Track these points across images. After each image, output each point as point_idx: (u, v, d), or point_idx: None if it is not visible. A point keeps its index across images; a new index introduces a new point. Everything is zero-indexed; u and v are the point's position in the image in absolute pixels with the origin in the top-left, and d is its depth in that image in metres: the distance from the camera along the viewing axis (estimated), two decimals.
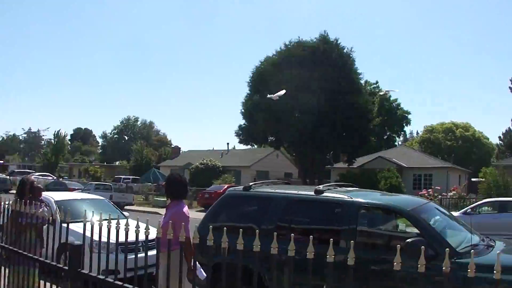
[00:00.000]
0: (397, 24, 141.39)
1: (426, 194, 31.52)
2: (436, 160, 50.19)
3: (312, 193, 6.98)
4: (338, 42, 39.56)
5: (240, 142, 42.60)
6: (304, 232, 6.75)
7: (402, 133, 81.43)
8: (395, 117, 71.55)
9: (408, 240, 5.67)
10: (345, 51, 39.67)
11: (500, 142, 79.92)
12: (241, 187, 8.06)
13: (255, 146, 51.47)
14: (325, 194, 6.93)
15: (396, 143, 71.73)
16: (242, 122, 40.95)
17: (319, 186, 7.20)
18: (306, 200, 7.15)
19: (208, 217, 7.70)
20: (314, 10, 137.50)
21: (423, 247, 3.13)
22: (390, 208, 6.94)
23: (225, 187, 36.28)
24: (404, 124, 75.21)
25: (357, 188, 8.34)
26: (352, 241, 3.48)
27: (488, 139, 76.53)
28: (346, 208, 6.58)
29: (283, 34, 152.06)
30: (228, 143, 66.56)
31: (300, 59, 37.22)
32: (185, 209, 5.86)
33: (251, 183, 8.19)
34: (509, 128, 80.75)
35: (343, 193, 7.08)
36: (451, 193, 34.51)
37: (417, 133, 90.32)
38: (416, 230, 6.35)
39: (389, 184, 35.78)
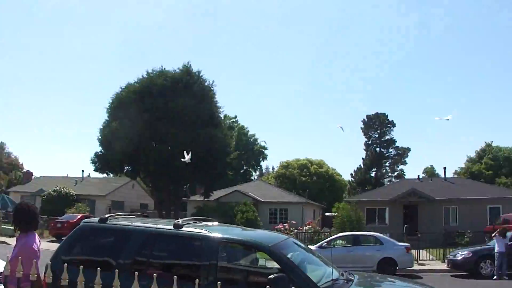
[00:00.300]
0: (257, 60, 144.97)
1: (282, 228, 31.93)
2: (291, 195, 51.48)
3: (171, 227, 6.70)
4: (201, 75, 39.43)
5: (96, 170, 40.66)
6: (163, 268, 6.65)
7: (259, 167, 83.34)
8: (252, 151, 73.00)
9: (270, 276, 5.49)
10: (206, 83, 39.59)
11: (352, 179, 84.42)
12: (97, 219, 7.60)
13: (111, 175, 49.45)
14: (184, 228, 6.68)
15: (253, 178, 73.03)
16: (99, 149, 39.16)
17: (178, 220, 6.92)
18: (165, 235, 6.86)
19: (61, 250, 7.09)
20: (177, 40, 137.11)
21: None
22: (251, 244, 6.78)
23: (79, 216, 34.63)
24: (260, 159, 77.03)
25: (216, 223, 7.95)
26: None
27: (340, 176, 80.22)
28: (206, 244, 6.39)
29: (147, 62, 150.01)
30: (83, 171, 63.47)
31: (161, 89, 36.60)
32: (35, 242, 5.42)
33: (107, 215, 7.77)
34: (360, 166, 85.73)
35: (203, 228, 6.89)
36: (306, 227, 35.22)
37: (273, 168, 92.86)
38: (277, 266, 6.27)
39: (245, 217, 36.00)
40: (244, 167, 71.20)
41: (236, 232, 7.34)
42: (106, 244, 7.22)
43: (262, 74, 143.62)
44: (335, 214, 54.88)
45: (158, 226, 7.12)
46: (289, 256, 6.42)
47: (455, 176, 62.90)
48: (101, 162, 38.97)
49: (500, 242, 20.36)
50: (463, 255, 21.69)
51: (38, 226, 5.77)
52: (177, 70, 38.87)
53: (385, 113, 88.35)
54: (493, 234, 21.46)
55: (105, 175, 47.36)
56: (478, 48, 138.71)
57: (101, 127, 38.12)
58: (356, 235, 23.43)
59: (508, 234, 21.22)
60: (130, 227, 7.04)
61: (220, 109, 40.92)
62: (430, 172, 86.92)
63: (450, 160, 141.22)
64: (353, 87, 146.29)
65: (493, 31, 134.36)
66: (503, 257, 20.01)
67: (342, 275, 6.83)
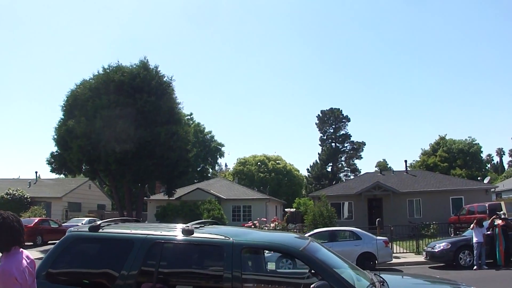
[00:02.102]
0: (210, 57, 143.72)
1: (252, 226, 30.98)
2: (254, 192, 50.91)
3: (180, 233, 5.90)
4: (158, 70, 37.98)
5: (52, 170, 38.52)
6: (174, 281, 5.93)
7: (216, 164, 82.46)
8: (209, 149, 72.05)
9: (313, 285, 5.04)
10: (165, 79, 38.14)
11: (308, 174, 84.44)
12: (85, 227, 6.58)
13: (69, 176, 47.31)
14: (196, 234, 5.85)
15: (209, 175, 72.13)
16: (55, 149, 37.19)
17: (187, 225, 6.07)
18: (174, 242, 5.97)
19: (44, 267, 6.03)
20: (130, 37, 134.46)
21: None
22: (280, 248, 6.01)
23: (36, 220, 33.22)
24: (218, 156, 76.09)
25: (229, 227, 7.05)
26: None
27: (298, 171, 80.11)
28: (226, 251, 5.58)
29: (102, 58, 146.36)
30: (36, 172, 60.88)
31: (119, 85, 35.06)
32: (15, 265, 4.11)
33: (99, 222, 6.65)
34: (316, 161, 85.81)
35: (218, 232, 6.00)
36: (273, 224, 34.42)
37: (226, 165, 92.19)
38: (305, 271, 6.02)
39: (212, 216, 35.04)
40: (201, 165, 70.01)
41: (256, 236, 6.49)
42: (102, 255, 6.29)
43: (216, 71, 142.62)
44: (296, 209, 54.76)
45: (164, 233, 6.18)
46: (323, 260, 5.78)
47: (409, 169, 63.29)
48: (57, 163, 37.02)
49: (477, 232, 20.33)
50: (442, 247, 21.49)
51: (21, 241, 4.34)
52: (134, 66, 37.32)
53: (339, 108, 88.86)
54: (471, 226, 21.24)
55: (60, 176, 45.45)
56: (431, 43, 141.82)
57: (56, 126, 36.18)
58: (332, 231, 22.86)
59: (485, 223, 21.06)
60: (130, 235, 6.14)
61: (179, 105, 39.53)
62: (383, 166, 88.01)
63: (403, 154, 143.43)
64: (308, 83, 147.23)
65: (444, 26, 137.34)
66: (481, 247, 20.09)
67: (373, 278, 6.26)
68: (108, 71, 36.57)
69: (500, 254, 19.97)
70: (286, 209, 56.67)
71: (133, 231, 6.19)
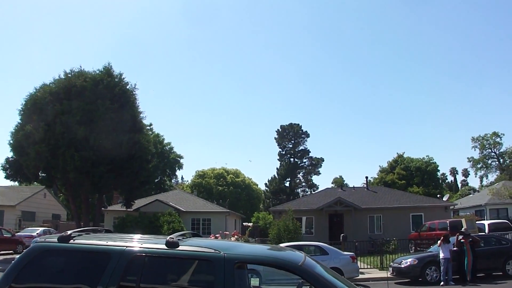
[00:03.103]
0: (171, 68, 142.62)
1: (214, 239, 30.44)
2: (214, 205, 50.41)
3: (163, 246, 5.24)
4: (122, 77, 37.09)
5: (6, 177, 36.83)
6: None
7: (174, 176, 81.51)
8: (168, 160, 71.16)
9: None
10: (128, 87, 37.27)
11: (267, 188, 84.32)
12: (54, 238, 5.84)
13: (24, 184, 45.47)
14: (182, 247, 5.24)
15: (166, 187, 71.18)
16: (10, 154, 35.68)
17: (171, 236, 5.42)
18: (157, 256, 5.30)
19: (9, 280, 5.31)
20: (91, 44, 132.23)
21: None
22: (276, 263, 5.35)
23: None
24: (176, 168, 75.20)
25: (213, 239, 6.49)
26: None
27: (257, 185, 79.92)
28: (217, 266, 5.03)
29: (62, 63, 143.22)
30: None
31: (80, 90, 33.98)
32: None
33: (69, 232, 5.85)
34: (274, 175, 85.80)
35: (206, 245, 5.39)
36: (233, 238, 33.91)
37: (182, 178, 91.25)
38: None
39: (172, 228, 34.24)
40: (160, 176, 68.99)
41: (248, 250, 5.87)
42: (74, 269, 5.56)
43: (177, 83, 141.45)
44: (254, 224, 54.36)
45: (145, 245, 5.52)
46: (324, 276, 5.36)
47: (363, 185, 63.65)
48: (12, 169, 35.49)
49: (444, 249, 20.52)
50: (408, 262, 21.60)
51: None
52: (97, 72, 36.31)
53: (299, 124, 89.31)
54: (438, 242, 21.37)
55: (14, 183, 43.68)
56: (390, 62, 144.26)
57: (13, 130, 34.67)
58: (298, 246, 22.22)
59: (451, 239, 21.23)
60: (107, 247, 5.47)
61: (142, 115, 38.64)
62: (339, 182, 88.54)
63: (360, 170, 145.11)
64: (269, 97, 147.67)
65: (400, 46, 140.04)
66: (448, 262, 20.36)
67: None
68: (70, 76, 35.44)
69: (468, 270, 20.13)
70: (244, 223, 56.25)
71: (110, 243, 5.55)
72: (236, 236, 34.29)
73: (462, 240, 20.90)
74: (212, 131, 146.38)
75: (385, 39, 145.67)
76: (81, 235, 5.93)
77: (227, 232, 34.29)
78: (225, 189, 69.81)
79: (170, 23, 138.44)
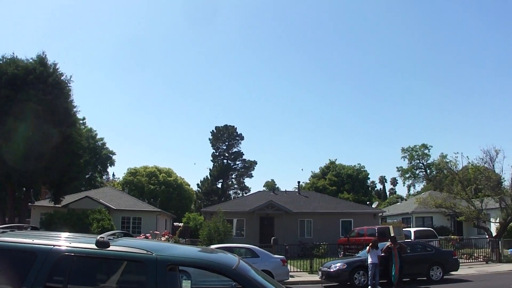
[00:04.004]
0: (108, 62, 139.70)
1: (145, 239, 29.97)
2: (145, 203, 49.69)
3: (93, 245, 4.91)
4: (57, 67, 35.83)
5: None
6: None
7: (106, 173, 79.82)
8: (100, 156, 69.62)
9: None
10: (63, 78, 36.07)
11: (199, 189, 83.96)
12: None
13: None
14: (113, 247, 4.93)
15: (97, 183, 69.67)
16: None
17: (102, 236, 5.07)
18: (87, 256, 4.98)
19: None
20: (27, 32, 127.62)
21: None
22: (210, 266, 5.23)
23: None
24: (108, 164, 73.69)
25: (145, 240, 6.24)
26: None
27: (189, 185, 79.42)
28: (149, 268, 4.82)
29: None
30: None
31: (11, 78, 32.51)
32: None
33: None
34: (207, 176, 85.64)
35: (138, 245, 5.14)
36: (164, 238, 33.52)
37: (114, 175, 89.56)
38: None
39: (101, 226, 33.43)
40: (90, 172, 67.34)
41: (181, 252, 5.68)
42: None
43: (114, 79, 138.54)
44: (185, 224, 53.99)
45: (74, 244, 5.19)
46: (257, 280, 5.27)
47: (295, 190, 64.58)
48: None
49: (373, 254, 20.97)
50: (338, 267, 22.05)
51: None
52: (31, 60, 34.90)
53: (234, 126, 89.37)
54: (367, 248, 21.84)
55: None
56: (325, 70, 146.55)
57: None
58: (229, 248, 22.06)
59: (379, 245, 21.74)
60: (32, 245, 5.10)
61: (75, 108, 37.46)
62: (271, 186, 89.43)
63: (292, 175, 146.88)
64: (205, 97, 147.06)
65: (334, 50, 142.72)
66: (375, 267, 20.87)
67: None
68: (1, 62, 33.98)
69: (396, 275, 20.69)
70: (175, 223, 55.76)
71: (36, 241, 5.17)
72: (166, 236, 33.89)
73: (390, 246, 21.45)
74: (147, 128, 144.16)
75: (321, 43, 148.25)
76: (5, 232, 5.60)
77: (157, 232, 33.89)
78: (156, 188, 68.92)
79: (111, 20, 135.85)
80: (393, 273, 20.87)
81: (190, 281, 6.47)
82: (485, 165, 34.85)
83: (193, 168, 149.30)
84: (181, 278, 5.96)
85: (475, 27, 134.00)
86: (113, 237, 5.40)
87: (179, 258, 5.16)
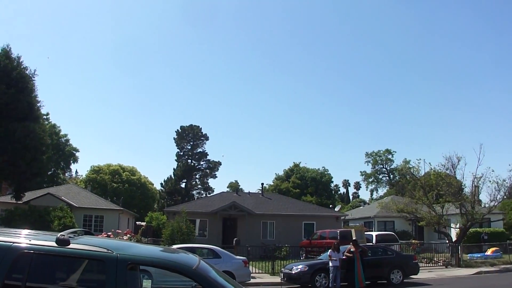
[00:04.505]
0: (72, 58, 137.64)
1: (106, 237, 29.69)
2: (107, 202, 49.22)
3: (53, 243, 4.81)
4: (21, 61, 35.33)
5: None
6: None
7: (69, 170, 78.75)
8: (63, 153, 68.67)
9: None
10: (27, 72, 35.57)
11: (162, 188, 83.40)
12: None
13: None
14: (73, 245, 4.85)
15: (60, 180, 68.70)
16: None
17: (63, 233, 4.96)
18: (46, 254, 4.87)
19: None
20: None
21: None
22: (171, 266, 5.19)
23: None
24: (71, 161, 72.71)
25: (107, 238, 6.12)
26: None
27: (153, 184, 78.86)
28: (109, 266, 4.77)
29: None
30: None
31: None
32: None
33: None
34: (171, 176, 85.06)
35: (99, 244, 5.10)
36: (126, 237, 33.27)
37: (77, 172, 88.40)
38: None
39: (63, 224, 32.98)
40: (53, 169, 66.28)
41: (142, 251, 5.60)
42: None
43: (79, 73, 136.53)
44: (148, 223, 53.70)
45: (34, 241, 5.05)
46: (218, 280, 5.31)
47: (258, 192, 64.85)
48: None
49: (334, 257, 21.32)
50: (299, 269, 22.21)
51: None
52: None
53: (199, 126, 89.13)
54: (329, 251, 22.02)
55: None
56: (294, 74, 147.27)
57: None
58: (191, 248, 21.89)
59: (341, 248, 22.01)
60: None
61: (39, 103, 36.97)
62: (235, 187, 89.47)
63: (256, 177, 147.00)
64: (170, 98, 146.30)
65: (292, 64, 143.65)
66: (337, 270, 21.11)
67: None
68: None
69: (358, 278, 21.00)
70: (138, 222, 55.39)
71: None
72: (128, 235, 33.62)
73: (352, 249, 21.75)
74: (111, 126, 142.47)
75: (284, 47, 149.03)
76: None
77: (119, 231, 33.58)
78: (120, 186, 68.15)
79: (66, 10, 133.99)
80: (355, 277, 21.19)
81: (151, 280, 6.41)
82: (447, 171, 35.48)
83: (157, 167, 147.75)
84: (142, 277, 5.92)
85: (443, 39, 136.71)
86: (74, 235, 5.31)
87: (140, 257, 5.13)
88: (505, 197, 36.19)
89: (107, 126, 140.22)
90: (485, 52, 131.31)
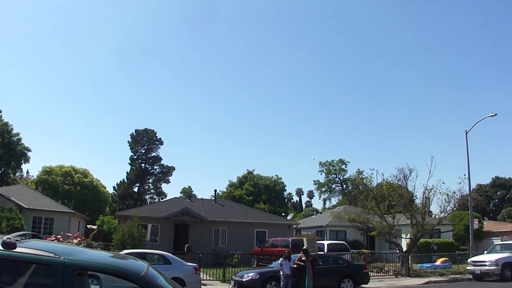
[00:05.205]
0: (27, 55, 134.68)
1: (55, 241, 29.16)
2: (58, 204, 48.31)
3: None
4: None
5: None
6: None
7: (19, 170, 76.96)
8: (14, 152, 67.10)
9: None
10: None
11: (114, 192, 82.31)
12: None
13: None
14: (19, 249, 4.76)
15: (10, 180, 67.10)
16: None
17: (9, 236, 4.89)
18: None
19: None
20: None
21: None
22: (120, 272, 5.14)
23: None
24: (22, 161, 71.09)
25: (55, 243, 5.96)
26: None
27: (105, 187, 77.78)
28: (56, 272, 4.66)
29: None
30: None
31: None
32: None
33: None
34: (123, 179, 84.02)
35: (46, 248, 4.96)
36: (76, 240, 32.82)
37: (28, 172, 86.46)
38: None
39: (11, 225, 32.24)
40: (3, 168, 64.72)
41: (91, 256, 5.48)
42: None
43: (33, 72, 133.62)
44: (99, 227, 52.95)
45: None
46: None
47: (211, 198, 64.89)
48: None
49: (285, 265, 21.33)
50: (250, 276, 22.31)
51: None
52: None
53: (154, 130, 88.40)
54: (280, 259, 22.19)
55: None
56: (245, 83, 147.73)
57: None
58: (142, 253, 21.64)
59: (292, 257, 22.22)
60: None
61: None
62: (188, 193, 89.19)
63: (209, 183, 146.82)
64: (125, 101, 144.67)
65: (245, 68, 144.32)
66: (288, 279, 21.24)
67: None
68: None
69: (309, 286, 21.22)
70: (89, 226, 54.55)
71: None
72: (78, 239, 33.20)
73: (303, 258, 21.99)
74: (65, 127, 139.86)
75: (239, 57, 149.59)
76: None
77: (69, 234, 33.08)
78: (72, 188, 66.95)
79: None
80: (306, 286, 21.42)
81: (99, 286, 6.39)
82: (398, 182, 35.99)
83: (110, 170, 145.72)
84: (91, 283, 5.78)
85: (404, 48, 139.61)
86: (21, 238, 5.20)
87: (87, 263, 5.01)
88: (454, 208, 36.93)
89: (61, 126, 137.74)
90: (433, 65, 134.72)
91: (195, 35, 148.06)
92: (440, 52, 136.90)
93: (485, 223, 61.74)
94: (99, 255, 5.72)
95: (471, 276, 30.54)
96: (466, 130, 39.44)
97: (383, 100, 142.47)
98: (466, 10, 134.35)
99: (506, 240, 41.82)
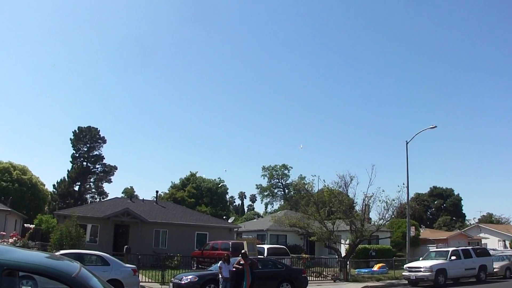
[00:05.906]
0: None
1: None
2: None
3: None
4: None
5: None
6: None
7: None
8: None
9: None
10: None
11: (54, 190, 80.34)
12: None
13: None
14: None
15: None
16: None
17: None
18: None
19: None
20: None
21: None
22: (50, 273, 4.98)
23: None
24: None
25: None
26: None
27: (44, 185, 75.79)
28: None
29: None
30: None
31: None
32: None
33: None
34: (64, 178, 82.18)
35: None
36: (11, 240, 31.87)
37: None
38: None
39: None
40: None
41: (21, 255, 5.32)
42: None
43: None
44: (36, 226, 51.62)
45: None
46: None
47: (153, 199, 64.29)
48: None
49: (224, 268, 21.38)
50: (189, 279, 22.31)
51: None
52: None
53: (97, 128, 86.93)
54: (219, 262, 22.24)
55: None
56: (184, 87, 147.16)
57: None
58: (79, 254, 21.20)
59: (232, 260, 22.28)
60: None
61: None
62: (130, 193, 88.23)
63: (151, 184, 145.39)
64: (69, 96, 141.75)
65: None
66: (227, 282, 21.27)
67: None
68: None
69: None
70: (26, 224, 53.07)
71: None
72: (14, 238, 32.26)
73: (241, 262, 22.06)
74: (2, 121, 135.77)
75: (175, 65, 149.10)
76: None
77: (4, 233, 32.11)
78: (9, 185, 64.85)
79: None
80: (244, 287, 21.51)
81: (34, 287, 6.26)
82: (339, 189, 36.44)
83: (50, 168, 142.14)
84: (25, 284, 5.85)
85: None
86: None
87: (17, 263, 4.90)
88: (393, 216, 37.72)
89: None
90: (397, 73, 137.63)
91: (133, 31, 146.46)
92: (386, 67, 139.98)
93: (422, 231, 63.52)
94: (30, 255, 5.57)
95: (406, 282, 31.43)
96: (406, 141, 40.72)
97: (327, 108, 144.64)
98: (406, 32, 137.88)
99: (441, 248, 43.07)
